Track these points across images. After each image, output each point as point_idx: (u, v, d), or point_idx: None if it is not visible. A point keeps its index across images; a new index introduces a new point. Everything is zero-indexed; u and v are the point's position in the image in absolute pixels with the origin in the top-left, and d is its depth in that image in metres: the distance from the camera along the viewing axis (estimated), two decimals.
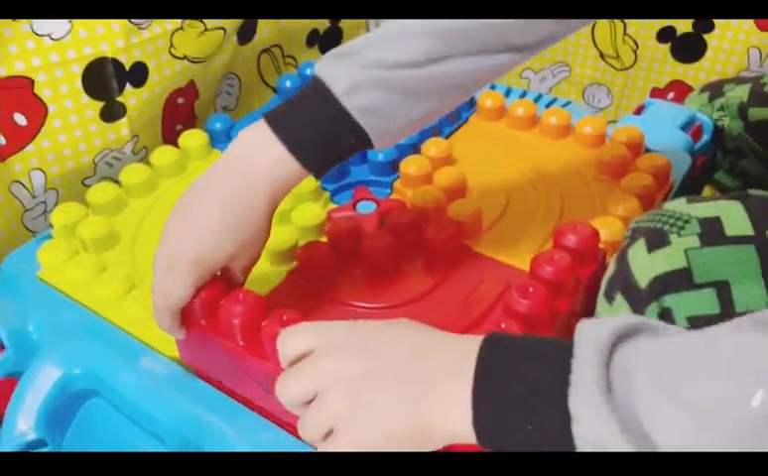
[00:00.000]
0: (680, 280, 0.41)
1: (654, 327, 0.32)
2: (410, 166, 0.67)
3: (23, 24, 0.68)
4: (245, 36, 0.90)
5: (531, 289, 0.44)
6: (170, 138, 0.84)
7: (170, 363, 0.53)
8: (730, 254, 0.41)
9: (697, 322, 0.41)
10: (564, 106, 0.83)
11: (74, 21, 0.70)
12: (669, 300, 0.42)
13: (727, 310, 0.40)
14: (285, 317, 0.44)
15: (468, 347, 0.35)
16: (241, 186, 0.46)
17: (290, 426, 0.47)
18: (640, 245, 0.44)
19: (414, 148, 0.72)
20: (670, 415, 0.29)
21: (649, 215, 0.47)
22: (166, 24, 0.77)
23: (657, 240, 0.43)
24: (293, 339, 0.39)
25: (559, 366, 0.31)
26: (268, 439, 0.46)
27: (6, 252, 0.68)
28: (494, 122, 0.77)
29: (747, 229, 0.41)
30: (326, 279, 0.57)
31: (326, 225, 0.61)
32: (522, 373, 0.32)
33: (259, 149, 0.46)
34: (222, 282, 0.48)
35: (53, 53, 0.70)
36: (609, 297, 0.46)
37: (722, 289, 0.40)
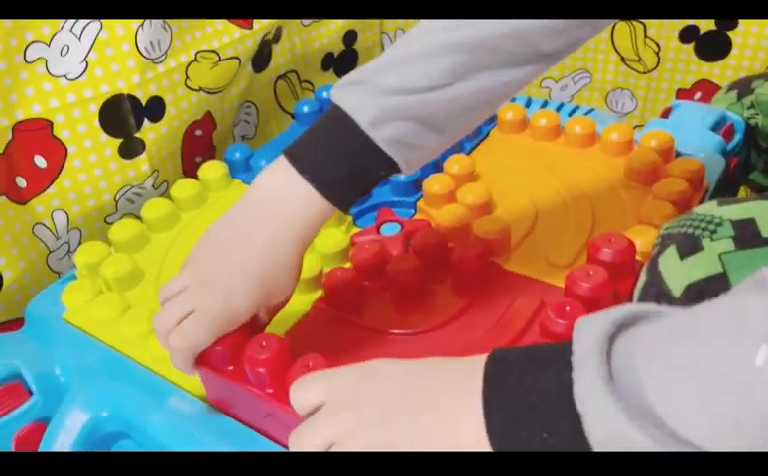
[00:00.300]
0: (716, 286, 0.39)
1: (655, 312, 0.31)
2: (433, 185, 0.66)
3: (38, 66, 0.68)
4: (260, 64, 0.89)
5: (568, 308, 0.42)
6: (190, 170, 0.84)
7: (198, 401, 0.52)
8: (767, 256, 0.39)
9: None
10: (587, 114, 0.81)
11: (90, 60, 0.70)
12: None
13: None
14: (310, 364, 0.42)
15: (473, 366, 0.34)
16: (271, 239, 0.44)
17: None
18: (671, 252, 0.42)
19: (436, 166, 0.70)
20: (681, 389, 0.28)
21: (679, 220, 0.45)
22: (180, 56, 0.77)
23: (689, 246, 0.41)
24: (305, 393, 0.38)
25: (561, 365, 0.30)
26: None
27: (32, 294, 0.67)
28: (517, 135, 0.75)
29: None
30: (354, 306, 0.56)
31: (351, 251, 0.60)
32: (529, 381, 0.32)
33: (285, 192, 0.45)
34: (246, 325, 0.47)
35: (69, 93, 0.70)
36: None
37: None
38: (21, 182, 0.70)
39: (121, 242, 0.68)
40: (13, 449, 0.56)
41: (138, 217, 0.74)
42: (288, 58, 0.94)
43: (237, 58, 0.83)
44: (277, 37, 0.91)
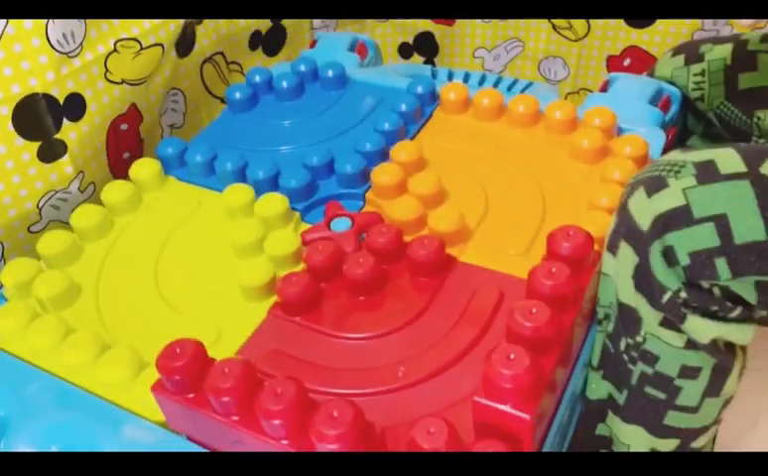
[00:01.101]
0: (680, 217, 0.43)
1: None
2: (381, 175, 0.64)
3: None
4: (184, 48, 0.84)
5: (534, 310, 0.42)
6: (118, 168, 0.79)
7: (156, 428, 0.49)
8: (726, 189, 0.42)
9: (698, 257, 0.42)
10: (526, 89, 0.81)
11: None
12: (670, 238, 0.43)
13: (727, 243, 0.41)
14: (279, 390, 0.40)
15: None
16: None
17: None
18: (640, 192, 0.46)
19: (382, 154, 0.69)
20: None
21: (644, 169, 0.48)
22: (98, 47, 0.71)
23: (655, 185, 0.45)
24: None
25: None
26: None
27: None
28: (460, 115, 0.74)
29: (741, 167, 0.43)
30: (311, 311, 0.54)
31: (304, 252, 0.58)
32: None
33: None
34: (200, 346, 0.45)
35: None
36: (613, 249, 0.47)
37: (721, 222, 0.42)
38: None
39: (51, 256, 0.63)
40: None
41: (66, 224, 0.69)
42: (213, 39, 0.89)
43: (160, 44, 0.78)
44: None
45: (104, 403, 0.51)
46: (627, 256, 0.46)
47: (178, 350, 0.45)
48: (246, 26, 0.93)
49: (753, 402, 0.59)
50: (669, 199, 0.44)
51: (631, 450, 0.51)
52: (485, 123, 0.72)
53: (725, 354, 0.46)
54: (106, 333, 0.57)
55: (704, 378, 0.46)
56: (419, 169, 0.66)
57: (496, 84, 0.84)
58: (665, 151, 0.68)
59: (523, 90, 0.82)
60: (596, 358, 0.51)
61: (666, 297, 0.44)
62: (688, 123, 0.76)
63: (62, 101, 0.69)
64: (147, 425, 0.49)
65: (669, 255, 0.43)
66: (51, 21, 0.66)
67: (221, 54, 0.92)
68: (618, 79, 0.73)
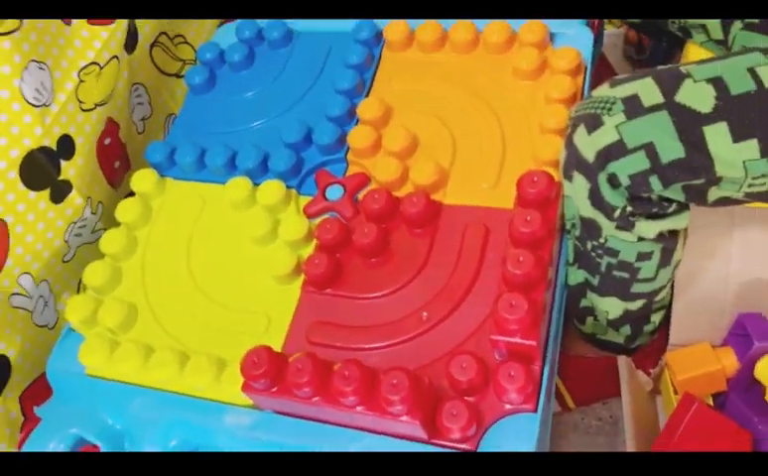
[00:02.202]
0: (616, 149, 0.54)
1: None
2: (357, 140, 0.73)
3: None
4: (132, 44, 0.88)
5: (521, 258, 0.55)
6: (114, 179, 0.86)
7: (250, 411, 0.62)
8: (650, 121, 0.53)
9: (635, 178, 0.54)
10: None
11: None
12: (612, 167, 0.55)
13: (656, 164, 0.53)
14: (346, 373, 0.54)
15: None
16: None
17: (373, 432, 0.58)
18: (581, 130, 0.56)
19: (350, 113, 0.77)
20: None
21: (582, 105, 0.58)
22: (66, 85, 0.76)
23: (593, 123, 0.55)
24: None
25: None
26: (364, 444, 0.58)
27: (35, 356, 0.74)
28: (405, 52, 0.82)
29: (659, 98, 0.53)
30: (336, 281, 0.66)
31: (316, 231, 0.68)
32: None
33: None
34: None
35: None
36: (569, 177, 0.59)
37: (649, 148, 0.53)
38: None
39: (99, 286, 0.73)
40: None
41: (90, 244, 0.78)
42: (152, 23, 0.92)
43: (114, 56, 0.82)
44: None
45: (200, 401, 0.64)
46: (580, 183, 0.58)
47: (255, 359, 0.57)
48: None
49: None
50: (606, 136, 0.54)
51: (610, 316, 0.66)
52: (430, 55, 0.80)
53: (669, 238, 0.60)
54: (176, 343, 0.68)
55: (656, 257, 0.60)
56: (387, 121, 0.75)
57: None
58: (596, 42, 0.77)
59: None
60: (571, 256, 0.65)
61: (617, 213, 0.56)
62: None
63: (54, 147, 0.75)
64: (241, 410, 0.63)
65: (613, 180, 0.55)
66: (21, 82, 0.71)
67: (164, 33, 0.95)
68: None
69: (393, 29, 0.81)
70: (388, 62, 0.82)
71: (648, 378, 0.79)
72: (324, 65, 0.84)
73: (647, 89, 0.54)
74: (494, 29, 0.76)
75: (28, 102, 0.71)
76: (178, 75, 0.98)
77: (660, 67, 0.56)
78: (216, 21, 1.03)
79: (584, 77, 0.72)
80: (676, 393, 0.73)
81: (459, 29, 0.78)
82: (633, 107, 0.54)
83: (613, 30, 1.23)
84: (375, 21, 0.83)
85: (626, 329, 0.69)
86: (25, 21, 0.70)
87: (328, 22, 0.87)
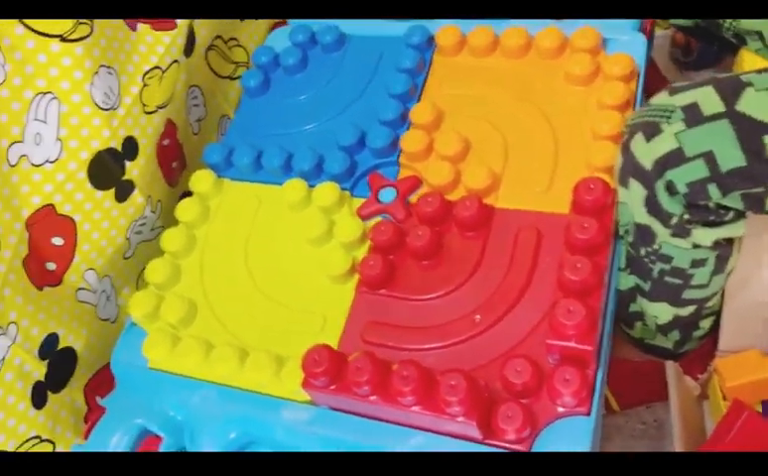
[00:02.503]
0: (675, 157, 0.55)
1: None
2: (409, 143, 0.75)
3: (23, 164, 0.71)
4: (190, 48, 0.91)
5: (579, 264, 0.56)
6: (171, 177, 0.89)
7: (308, 407, 0.65)
8: (710, 129, 0.54)
9: (693, 186, 0.55)
10: None
11: (62, 136, 0.73)
12: (670, 175, 0.56)
13: (715, 172, 0.54)
14: (405, 373, 0.56)
15: None
16: None
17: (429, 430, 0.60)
18: (639, 137, 0.57)
19: (403, 117, 0.79)
20: None
21: (640, 112, 0.59)
22: (132, 89, 0.79)
23: (652, 131, 0.56)
24: None
25: None
26: (418, 442, 0.60)
27: (99, 348, 0.78)
28: (456, 56, 0.83)
29: (720, 107, 0.54)
30: (390, 283, 0.68)
31: (370, 233, 0.70)
32: None
33: None
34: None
35: (57, 173, 0.74)
36: (624, 184, 0.60)
37: (709, 157, 0.54)
38: (51, 266, 0.76)
39: (161, 282, 0.76)
40: None
41: (148, 241, 0.81)
42: (208, 27, 0.95)
43: (175, 60, 0.85)
44: None
45: (259, 396, 0.67)
46: (636, 190, 0.59)
47: (317, 357, 0.60)
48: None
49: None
50: (665, 143, 0.55)
51: (660, 321, 0.67)
52: (481, 59, 0.82)
53: (725, 246, 0.60)
54: (235, 339, 0.71)
55: (710, 264, 0.61)
56: (438, 125, 0.77)
57: None
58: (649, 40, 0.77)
59: None
60: (623, 262, 0.66)
61: (673, 220, 0.57)
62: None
63: (120, 148, 0.78)
64: (298, 406, 0.65)
65: (670, 188, 0.56)
66: (91, 86, 0.74)
67: (219, 37, 0.98)
68: None
69: (445, 33, 0.83)
70: (439, 67, 0.84)
71: (695, 383, 0.80)
72: (377, 70, 0.86)
73: (707, 98, 0.55)
74: (546, 34, 0.77)
75: (97, 106, 0.75)
76: (231, 77, 1.01)
77: (719, 76, 0.56)
78: (268, 24, 1.06)
79: (638, 83, 0.73)
80: (725, 399, 0.73)
81: (511, 34, 0.79)
82: (693, 115, 0.54)
83: (660, 32, 1.23)
84: (427, 25, 0.85)
85: (675, 334, 0.70)
86: (95, 27, 0.73)
87: (380, 26, 0.89)
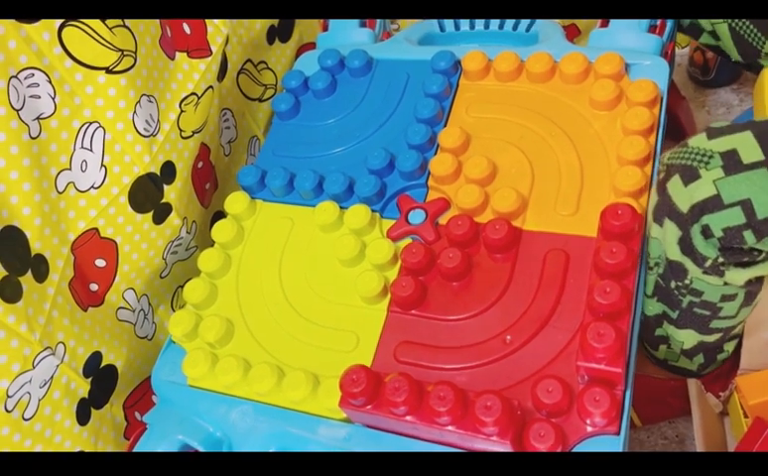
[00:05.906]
0: (713, 204, 0.56)
1: None
2: (438, 167, 0.78)
3: (70, 191, 0.74)
4: (222, 73, 0.94)
5: (608, 289, 0.58)
6: (204, 198, 0.93)
7: (344, 425, 0.67)
8: (749, 178, 0.55)
9: (729, 232, 0.56)
10: (530, 27, 0.91)
11: (106, 163, 0.77)
12: (706, 219, 0.57)
13: (752, 219, 0.55)
14: (441, 394, 0.58)
15: None
16: None
17: (460, 448, 0.62)
18: (676, 180, 0.59)
19: (431, 141, 0.81)
20: None
21: (678, 153, 0.60)
22: (169, 115, 0.83)
23: (690, 175, 0.58)
24: None
25: None
26: None
27: (138, 365, 0.81)
28: (482, 81, 0.86)
29: (759, 155, 0.55)
30: (421, 303, 0.71)
31: (401, 254, 0.73)
32: None
33: None
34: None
35: (101, 198, 0.77)
36: (659, 222, 0.62)
37: (746, 204, 0.55)
38: (94, 287, 0.79)
39: (199, 302, 0.79)
40: None
41: (183, 260, 0.84)
42: (240, 52, 0.99)
43: (210, 86, 0.89)
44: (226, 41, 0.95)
45: (296, 413, 0.69)
46: (671, 230, 0.60)
47: (354, 377, 0.62)
48: (262, 27, 1.02)
49: None
50: (703, 189, 0.56)
51: (685, 346, 0.69)
52: (507, 84, 0.84)
53: (755, 282, 0.62)
54: (271, 357, 0.74)
55: (740, 298, 0.63)
56: (466, 149, 0.80)
57: (501, 27, 0.94)
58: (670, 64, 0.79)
59: (527, 29, 0.92)
60: (650, 289, 0.68)
61: (707, 262, 0.59)
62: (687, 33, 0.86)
63: (159, 173, 0.82)
64: (335, 423, 0.68)
65: (706, 231, 0.56)
66: (134, 114, 0.77)
67: (249, 61, 1.02)
68: None
69: (471, 58, 0.85)
70: (465, 91, 0.86)
71: (717, 400, 0.81)
72: (404, 94, 0.89)
73: (746, 145, 0.56)
74: (570, 59, 0.80)
75: (139, 133, 0.78)
76: (260, 99, 1.04)
77: (759, 120, 0.57)
78: (295, 47, 1.09)
79: (660, 108, 0.75)
80: (746, 416, 0.75)
81: (536, 59, 0.81)
82: (732, 163, 0.55)
83: (678, 50, 1.25)
84: (453, 51, 0.87)
85: (699, 358, 0.72)
86: (138, 58, 0.76)
87: (406, 51, 0.92)
